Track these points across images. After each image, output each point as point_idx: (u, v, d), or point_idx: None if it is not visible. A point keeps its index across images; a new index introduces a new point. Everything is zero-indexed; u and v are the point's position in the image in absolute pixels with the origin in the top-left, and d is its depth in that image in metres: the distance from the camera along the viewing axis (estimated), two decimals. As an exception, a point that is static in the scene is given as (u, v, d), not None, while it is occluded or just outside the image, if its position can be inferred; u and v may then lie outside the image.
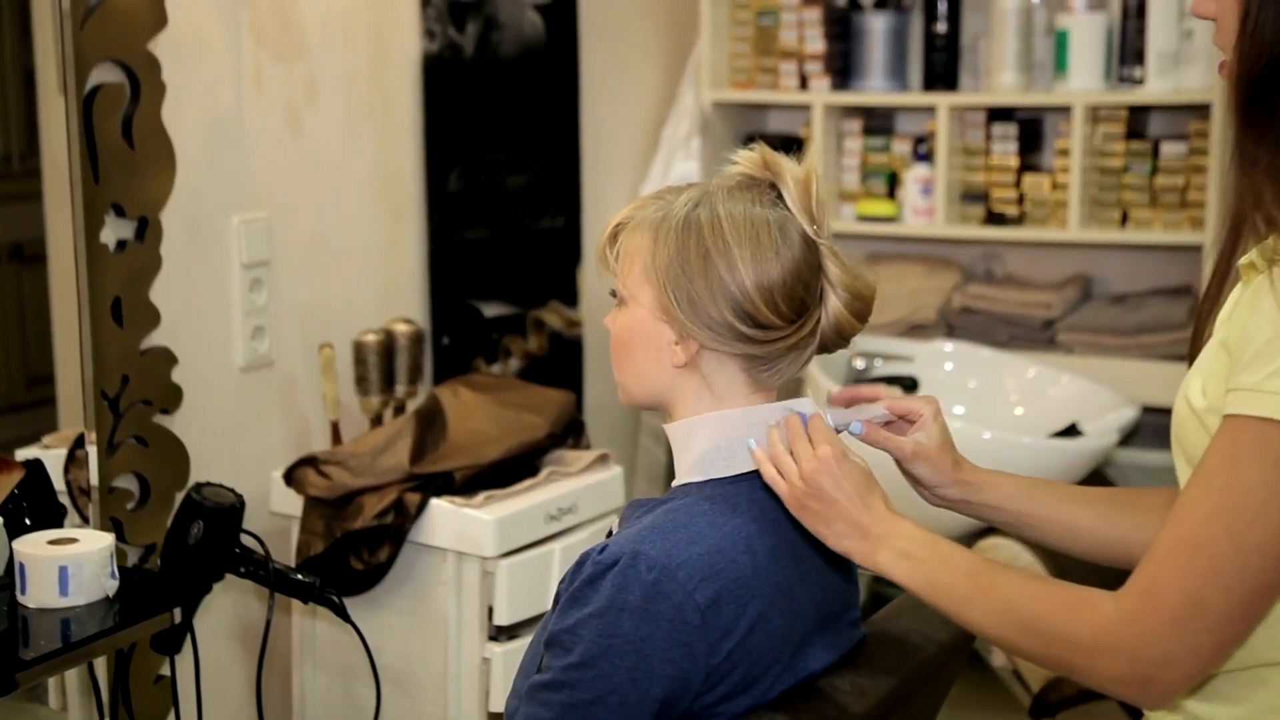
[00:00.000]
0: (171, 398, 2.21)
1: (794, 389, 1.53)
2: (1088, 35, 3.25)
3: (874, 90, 3.52)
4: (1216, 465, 1.22)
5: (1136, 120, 3.32)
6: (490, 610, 2.32)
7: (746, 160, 1.49)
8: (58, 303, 2.15)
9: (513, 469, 2.42)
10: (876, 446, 1.55)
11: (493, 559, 2.29)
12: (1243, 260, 1.33)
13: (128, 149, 2.09)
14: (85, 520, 2.12)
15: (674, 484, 1.49)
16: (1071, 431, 3.05)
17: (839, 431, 1.47)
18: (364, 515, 2.29)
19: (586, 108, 3.32)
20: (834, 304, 1.45)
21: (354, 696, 2.41)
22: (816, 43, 3.52)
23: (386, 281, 2.77)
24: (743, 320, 1.42)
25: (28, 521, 1.96)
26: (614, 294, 1.51)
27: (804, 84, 3.54)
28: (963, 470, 1.55)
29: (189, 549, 1.93)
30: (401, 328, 2.59)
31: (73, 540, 1.85)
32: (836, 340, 1.48)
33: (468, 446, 2.42)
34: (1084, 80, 3.26)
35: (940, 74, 3.47)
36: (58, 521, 2.01)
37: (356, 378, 2.57)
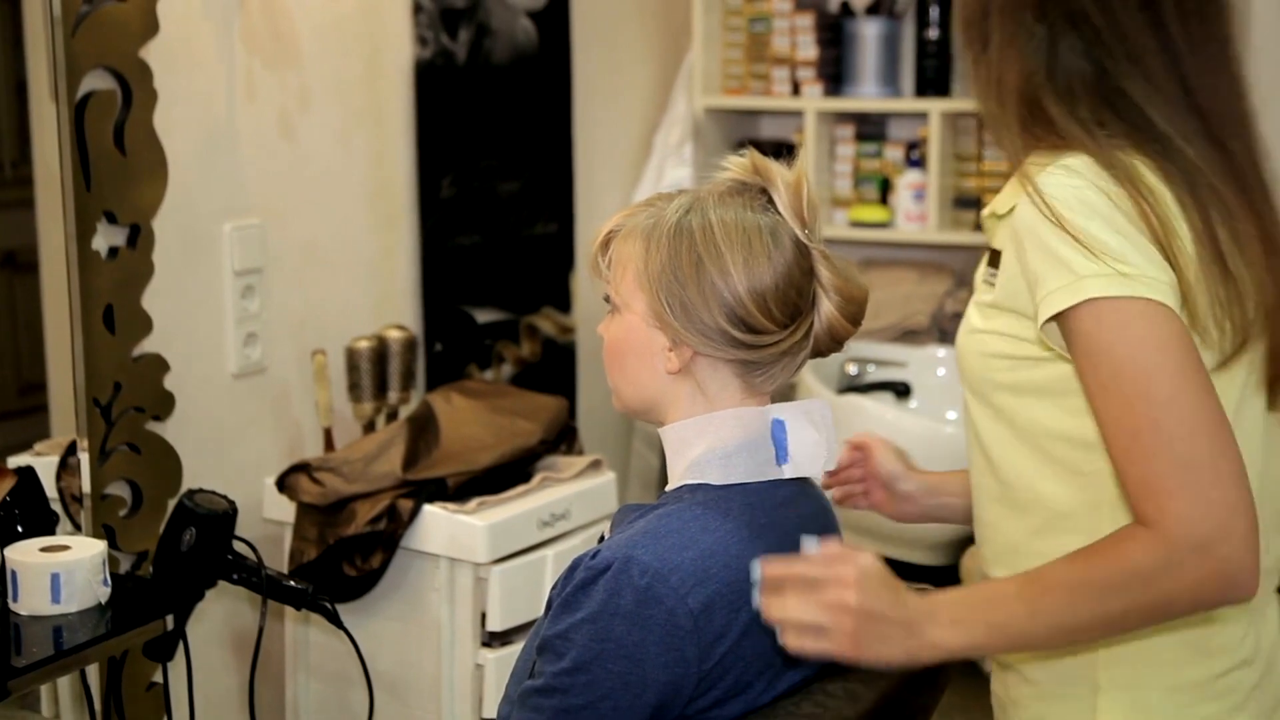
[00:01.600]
0: (164, 405, 2.21)
1: (787, 394, 1.53)
2: (1079, 41, 3.26)
3: (866, 96, 3.52)
4: (1089, 367, 1.30)
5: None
6: (483, 616, 2.32)
7: (737, 166, 1.49)
8: (50, 310, 2.15)
9: (505, 475, 2.42)
10: (858, 507, 1.70)
11: (485, 565, 2.29)
12: (985, 213, 1.49)
13: (120, 156, 2.09)
14: (77, 527, 2.12)
15: (667, 489, 1.49)
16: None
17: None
18: (356, 522, 2.29)
19: (579, 114, 3.33)
20: (826, 307, 1.45)
21: (347, 703, 2.41)
22: (809, 49, 3.52)
23: (379, 288, 2.77)
24: (736, 325, 1.42)
25: (20, 529, 1.96)
26: (607, 300, 1.51)
27: (796, 90, 3.54)
28: (922, 474, 1.68)
29: (181, 556, 1.92)
30: (394, 334, 2.60)
31: (65, 547, 1.85)
32: (830, 344, 1.48)
33: (461, 453, 2.42)
34: (1075, 86, 3.26)
35: (932, 80, 3.47)
36: (50, 529, 2.01)
37: (349, 384, 2.57)
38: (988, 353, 1.42)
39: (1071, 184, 1.32)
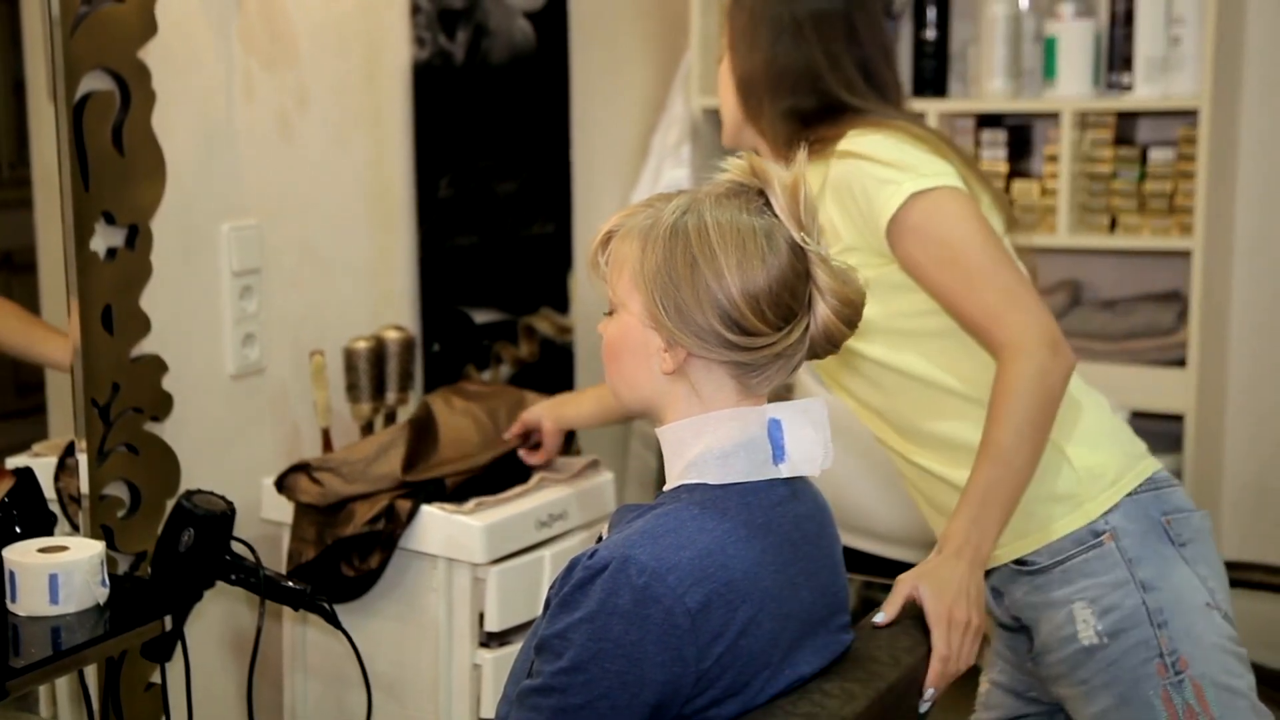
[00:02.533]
0: (162, 405, 2.21)
1: (784, 396, 1.54)
2: (1076, 42, 3.26)
3: (863, 97, 3.52)
4: (920, 247, 1.82)
5: (1125, 126, 3.34)
6: (481, 616, 2.32)
7: (735, 168, 1.49)
8: (48, 311, 2.15)
9: (503, 475, 2.43)
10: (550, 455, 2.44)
11: (483, 565, 2.29)
12: None
13: (118, 157, 2.09)
14: (76, 528, 2.12)
15: (664, 489, 1.50)
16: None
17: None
18: (355, 522, 2.30)
19: (577, 115, 3.33)
20: (823, 311, 1.46)
21: (345, 703, 2.41)
22: (806, 49, 3.52)
23: (377, 288, 2.77)
24: (730, 327, 1.42)
25: (18, 529, 1.96)
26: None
27: (794, 91, 3.54)
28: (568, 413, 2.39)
29: (180, 556, 1.92)
30: (392, 334, 2.60)
31: (63, 548, 1.85)
32: (826, 346, 1.48)
33: (459, 456, 2.43)
34: (1072, 87, 3.27)
35: (929, 80, 3.47)
36: (48, 529, 2.01)
37: (347, 385, 2.57)
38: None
39: (869, 139, 1.87)
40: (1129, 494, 1.86)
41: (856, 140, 1.88)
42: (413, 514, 2.30)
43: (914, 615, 1.64)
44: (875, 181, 1.84)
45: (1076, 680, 1.85)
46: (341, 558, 2.31)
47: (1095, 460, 1.87)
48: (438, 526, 2.30)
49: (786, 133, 1.97)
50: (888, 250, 1.85)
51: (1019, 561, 1.89)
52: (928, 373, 1.91)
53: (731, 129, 2.06)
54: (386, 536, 2.30)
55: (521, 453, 2.46)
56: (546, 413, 2.42)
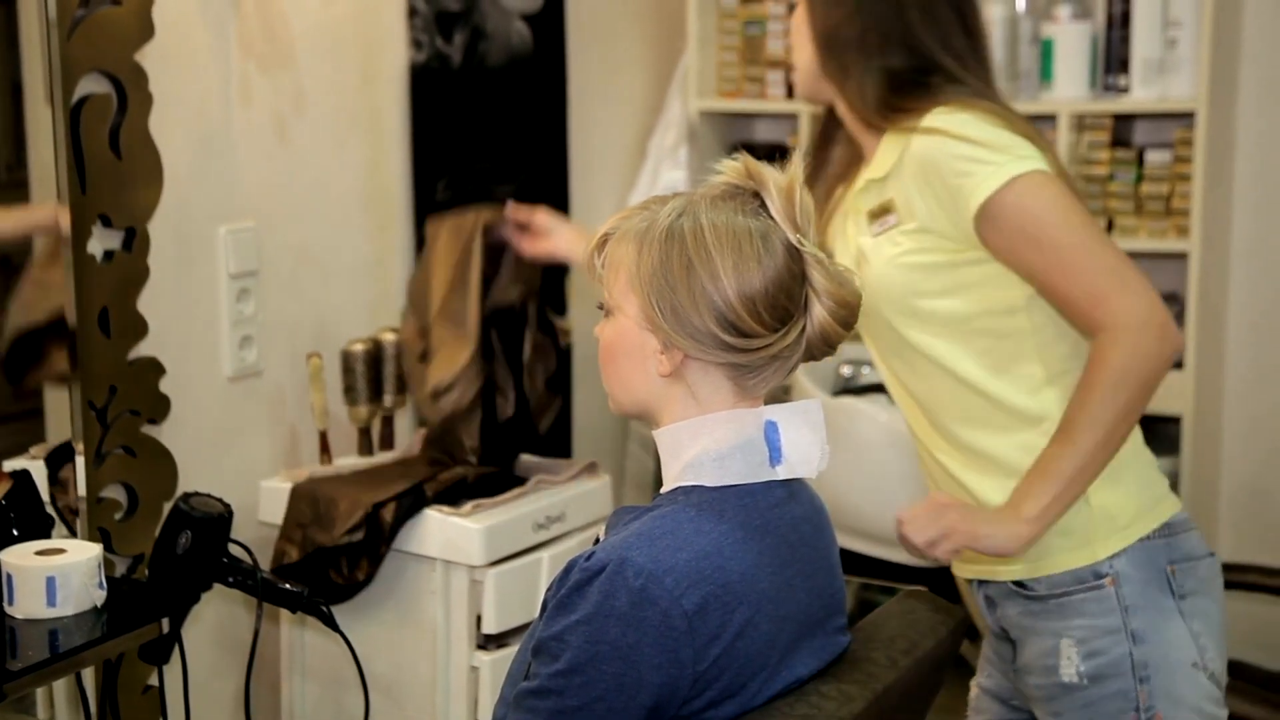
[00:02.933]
0: (159, 408, 2.21)
1: (781, 397, 1.54)
2: (1073, 44, 3.27)
3: (860, 99, 3.52)
4: (1020, 230, 1.77)
5: (1121, 128, 3.34)
6: (479, 619, 2.32)
7: (731, 170, 1.49)
8: (45, 313, 2.15)
9: (499, 480, 2.43)
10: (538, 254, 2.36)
11: (481, 568, 2.29)
12: (862, 182, 1.90)
13: (115, 160, 2.09)
14: (73, 533, 2.12)
15: (662, 491, 1.50)
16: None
17: None
18: (334, 532, 2.28)
19: (574, 117, 3.33)
20: (819, 313, 1.46)
21: (343, 706, 2.41)
22: (803, 52, 3.52)
23: (374, 291, 2.77)
24: (726, 329, 1.42)
25: (15, 532, 1.96)
26: (601, 306, 1.52)
27: (791, 93, 3.54)
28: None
29: (177, 559, 1.92)
30: (390, 337, 2.60)
31: (60, 550, 1.85)
32: (823, 348, 1.48)
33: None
34: (1069, 89, 3.27)
35: (926, 83, 3.47)
36: (45, 532, 2.01)
37: (344, 387, 2.57)
38: (911, 265, 1.83)
39: (959, 117, 1.80)
40: (1140, 539, 1.81)
41: (944, 118, 1.80)
42: (395, 529, 2.29)
43: (917, 607, 1.64)
44: (968, 161, 1.77)
45: (1050, 711, 1.84)
46: (329, 564, 2.31)
47: (1112, 499, 1.81)
48: (436, 529, 2.30)
49: (876, 98, 1.86)
50: (970, 234, 1.79)
51: (1018, 583, 1.86)
52: (977, 377, 1.85)
53: (807, 81, 1.95)
54: (372, 547, 2.29)
55: (516, 238, 2.39)
56: (555, 219, 2.37)
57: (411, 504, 2.31)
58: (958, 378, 1.85)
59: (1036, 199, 1.76)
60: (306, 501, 2.33)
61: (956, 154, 1.78)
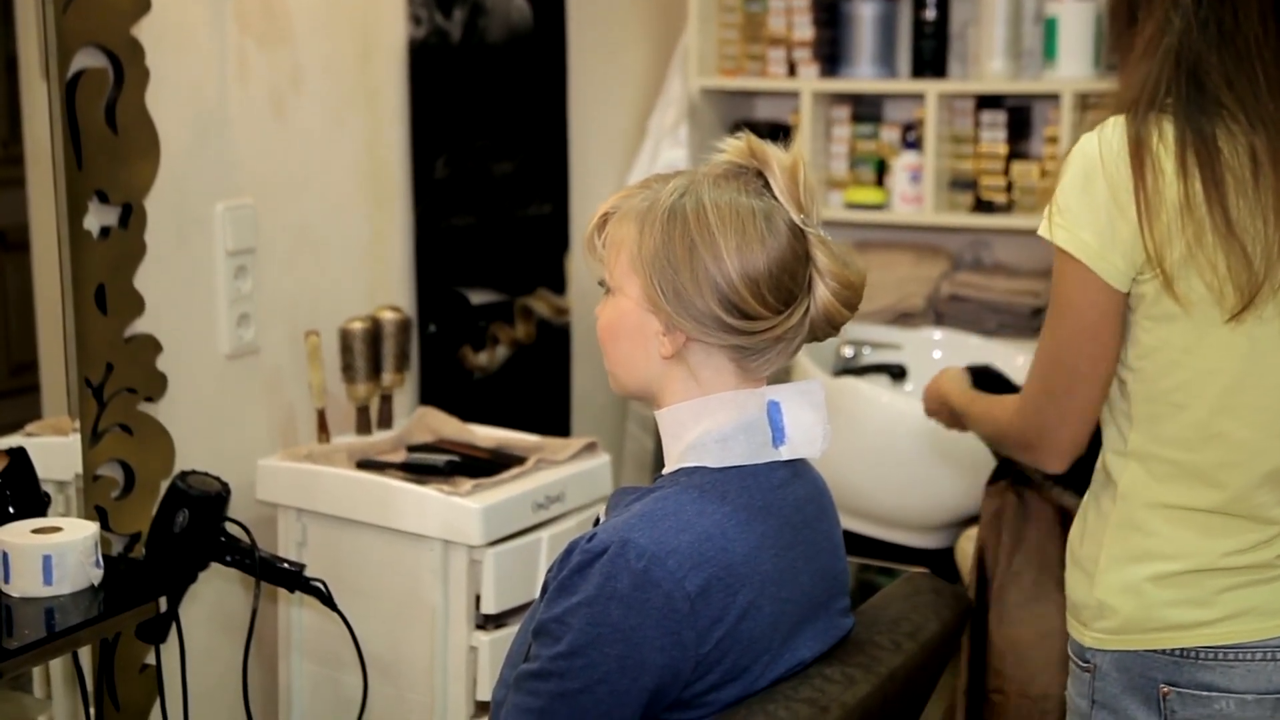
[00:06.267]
0: (156, 386, 2.20)
1: (782, 378, 1.53)
2: (1077, 23, 3.25)
3: (862, 77, 3.50)
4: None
5: (1125, 108, 3.32)
6: (477, 599, 2.31)
7: (733, 149, 1.48)
8: (41, 290, 2.14)
9: (498, 461, 2.42)
10: None
11: (480, 548, 2.28)
12: None
13: (111, 135, 2.07)
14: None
15: (663, 472, 1.49)
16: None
17: None
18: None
19: (574, 94, 3.31)
20: (822, 293, 1.44)
21: (341, 685, 2.40)
22: (805, 29, 3.50)
23: (373, 269, 2.76)
24: (729, 311, 1.41)
25: (11, 510, 1.95)
26: (602, 284, 1.51)
27: (792, 71, 3.53)
28: None
29: (174, 537, 1.92)
30: (388, 315, 2.58)
31: (57, 529, 1.85)
32: (826, 328, 1.47)
33: None
34: (1073, 68, 3.25)
35: (929, 61, 3.46)
36: (42, 510, 2.00)
37: (343, 365, 2.56)
38: None
39: (1087, 147, 1.57)
40: (1135, 651, 1.62)
41: (1089, 134, 1.59)
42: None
43: (923, 593, 1.64)
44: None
45: None
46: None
47: (1112, 600, 1.62)
48: (435, 509, 2.29)
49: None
50: None
51: None
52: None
53: None
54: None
55: None
56: None
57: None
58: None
59: (1059, 275, 1.62)
60: None
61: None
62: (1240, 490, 1.59)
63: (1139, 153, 1.53)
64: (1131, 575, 1.61)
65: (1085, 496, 1.72)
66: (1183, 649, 1.59)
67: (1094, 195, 1.55)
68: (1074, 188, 1.57)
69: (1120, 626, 1.62)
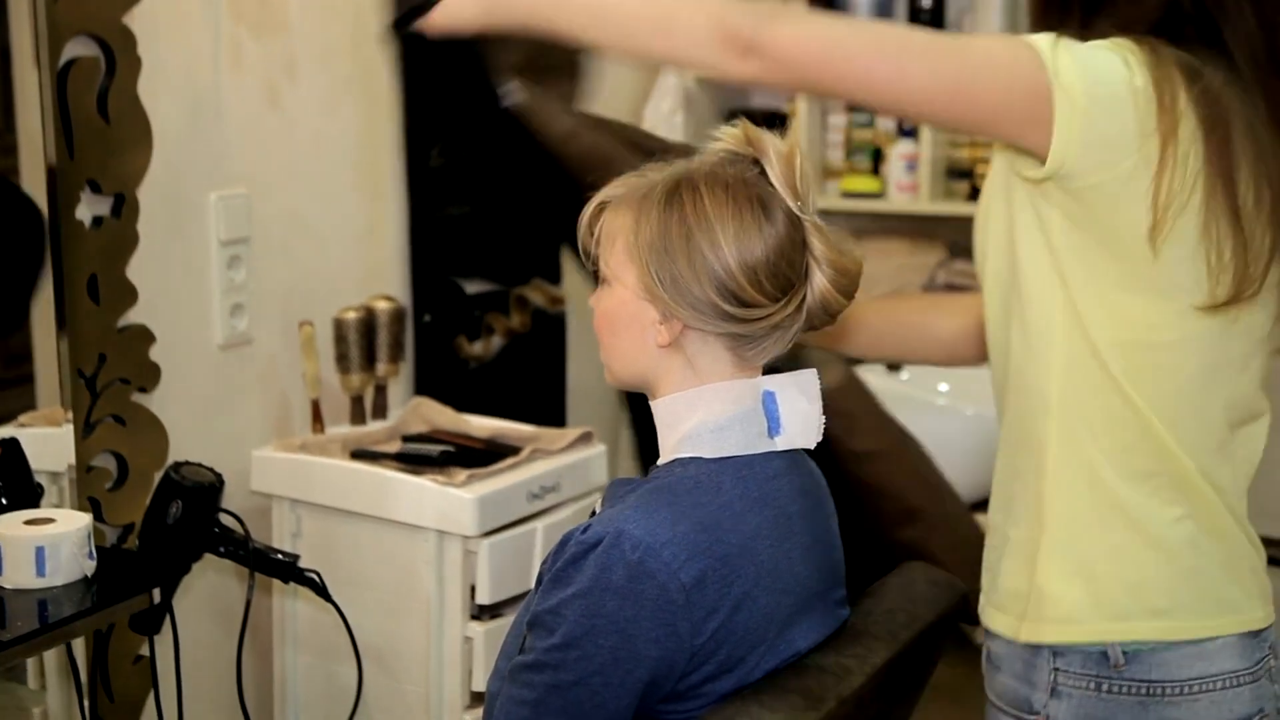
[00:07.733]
0: (149, 376, 2.19)
1: (787, 367, 1.52)
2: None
3: (858, 66, 3.50)
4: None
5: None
6: (472, 589, 2.31)
7: (730, 137, 1.47)
8: (34, 280, 2.13)
9: (493, 451, 2.41)
10: None
11: (474, 538, 2.28)
12: None
13: (103, 124, 2.06)
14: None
15: (659, 462, 1.48)
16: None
17: None
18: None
19: (569, 83, 3.30)
20: (820, 281, 1.44)
21: (335, 676, 2.40)
22: (800, 18, 3.50)
23: (367, 258, 2.75)
24: (726, 299, 1.40)
25: (4, 501, 1.94)
26: (597, 273, 1.50)
27: (788, 59, 3.51)
28: None
29: (168, 529, 1.91)
30: (382, 305, 2.58)
31: (50, 520, 1.84)
32: (823, 317, 1.46)
33: None
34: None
35: (924, 49, 3.45)
36: (35, 501, 1.99)
37: (337, 355, 2.55)
38: None
39: (1117, 67, 1.38)
40: (1109, 676, 1.45)
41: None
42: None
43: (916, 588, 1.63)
44: None
45: None
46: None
47: (1060, 589, 1.47)
48: (429, 499, 2.28)
49: None
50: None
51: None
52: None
53: None
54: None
55: None
56: None
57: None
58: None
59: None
60: None
61: None
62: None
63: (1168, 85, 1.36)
64: (1085, 552, 1.47)
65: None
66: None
67: (1120, 115, 1.37)
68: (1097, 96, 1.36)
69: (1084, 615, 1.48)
